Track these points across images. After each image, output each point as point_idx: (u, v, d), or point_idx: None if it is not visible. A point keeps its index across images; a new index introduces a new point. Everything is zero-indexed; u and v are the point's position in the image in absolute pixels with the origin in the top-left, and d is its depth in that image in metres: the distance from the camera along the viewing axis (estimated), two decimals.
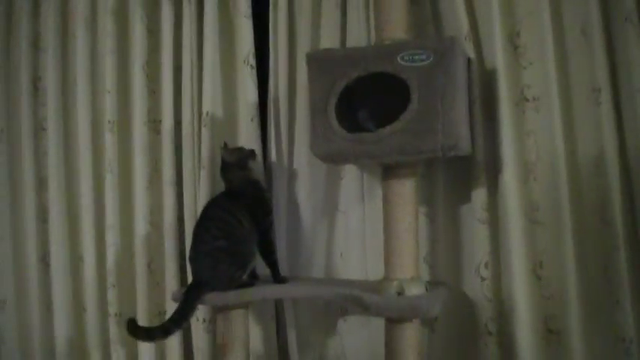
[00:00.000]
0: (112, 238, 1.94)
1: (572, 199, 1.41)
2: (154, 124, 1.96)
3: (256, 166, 1.65)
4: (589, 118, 1.41)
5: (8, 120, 2.14)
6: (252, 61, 1.79)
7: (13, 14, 2.13)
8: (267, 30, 1.81)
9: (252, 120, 1.78)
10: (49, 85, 2.04)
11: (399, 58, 1.33)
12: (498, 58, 1.48)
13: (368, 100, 1.47)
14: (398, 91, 1.33)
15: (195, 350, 1.82)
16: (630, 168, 1.37)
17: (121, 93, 1.98)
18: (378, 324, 1.48)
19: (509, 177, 1.46)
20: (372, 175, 1.67)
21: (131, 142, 1.93)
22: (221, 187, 1.62)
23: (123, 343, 1.93)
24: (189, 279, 1.59)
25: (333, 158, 1.46)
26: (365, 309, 1.36)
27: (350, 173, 1.70)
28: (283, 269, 1.65)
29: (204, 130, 1.81)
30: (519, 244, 1.46)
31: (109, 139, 1.95)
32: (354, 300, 1.40)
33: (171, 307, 1.55)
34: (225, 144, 1.61)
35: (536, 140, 1.48)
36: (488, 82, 1.51)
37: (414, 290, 1.38)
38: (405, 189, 1.42)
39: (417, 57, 1.32)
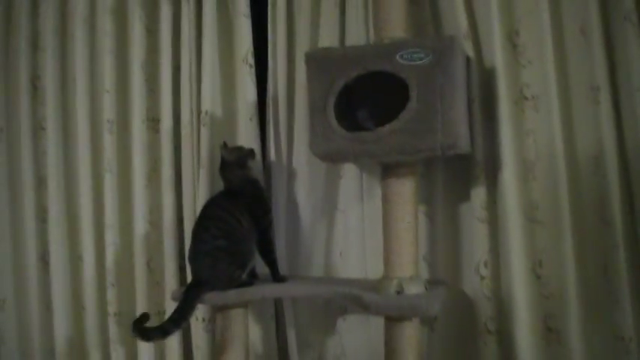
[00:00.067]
0: (111, 237, 1.94)
1: (572, 198, 1.41)
2: (152, 123, 1.96)
3: (255, 166, 1.65)
4: (588, 116, 1.41)
5: (7, 119, 2.14)
6: (251, 60, 1.79)
7: (13, 14, 2.13)
8: (266, 29, 1.81)
9: (251, 119, 1.78)
10: (48, 84, 2.04)
11: (398, 57, 1.33)
12: (497, 56, 1.48)
13: (367, 99, 1.47)
14: (397, 90, 1.33)
15: (194, 349, 1.82)
16: (629, 167, 1.37)
17: (120, 92, 1.98)
18: (378, 323, 1.49)
19: (509, 176, 1.46)
20: (371, 174, 1.67)
21: (130, 142, 1.93)
22: (220, 186, 1.62)
23: (122, 342, 1.93)
24: (189, 278, 1.59)
25: (332, 157, 1.46)
26: (364, 308, 1.36)
27: (349, 172, 1.70)
28: (282, 268, 1.65)
29: (203, 130, 1.81)
30: (519, 242, 1.46)
31: (108, 139, 1.95)
32: (353, 299, 1.40)
33: (170, 307, 1.54)
34: (225, 143, 1.61)
35: (536, 139, 1.48)
36: (487, 81, 1.51)
37: (414, 289, 1.38)
38: (405, 188, 1.43)
39: (416, 56, 1.32)
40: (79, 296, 2.02)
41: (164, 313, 1.87)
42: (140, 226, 1.91)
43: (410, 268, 1.41)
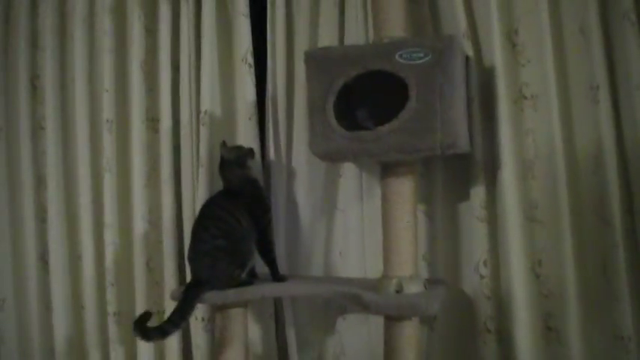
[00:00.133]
0: (110, 236, 1.94)
1: (571, 197, 1.41)
2: (152, 122, 1.96)
3: (254, 165, 1.65)
4: (587, 115, 1.41)
5: (7, 119, 2.13)
6: (251, 59, 1.79)
7: (12, 13, 2.13)
8: (265, 28, 1.80)
9: (250, 119, 1.78)
10: (48, 84, 2.04)
11: (397, 57, 1.33)
12: (497, 56, 1.48)
13: (366, 99, 1.47)
14: (396, 89, 1.33)
15: (194, 349, 1.82)
16: (628, 165, 1.37)
17: (119, 92, 1.98)
18: (377, 322, 1.49)
19: (508, 175, 1.46)
20: (370, 174, 1.67)
21: (129, 141, 1.93)
22: (220, 185, 1.62)
23: (122, 342, 1.93)
24: (188, 278, 1.59)
25: (331, 156, 1.46)
26: (364, 307, 1.36)
27: (349, 171, 1.70)
28: (282, 268, 1.65)
29: (202, 129, 1.81)
30: (518, 242, 1.46)
31: (108, 138, 1.94)
32: (353, 298, 1.40)
33: (170, 306, 1.54)
34: (224, 142, 1.61)
35: (535, 138, 1.48)
36: (486, 80, 1.51)
37: (413, 288, 1.38)
38: (404, 187, 1.43)
39: (415, 55, 1.32)
40: (79, 296, 2.02)
41: (163, 312, 1.87)
42: (139, 225, 1.90)
43: (409, 267, 1.41)
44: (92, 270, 1.97)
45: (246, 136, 1.77)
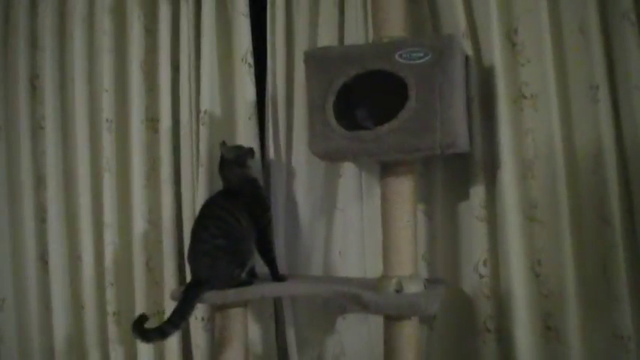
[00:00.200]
0: (110, 236, 1.94)
1: (571, 197, 1.41)
2: (151, 122, 1.96)
3: (254, 165, 1.65)
4: (587, 115, 1.41)
5: (6, 119, 2.13)
6: (250, 59, 1.79)
7: (11, 13, 2.12)
8: (264, 28, 1.80)
9: (250, 118, 1.78)
10: (47, 83, 2.04)
11: (397, 56, 1.33)
12: (496, 55, 1.48)
13: (366, 99, 1.47)
14: (396, 89, 1.33)
15: (194, 348, 1.82)
16: (628, 165, 1.37)
17: (118, 92, 1.97)
18: (377, 322, 1.49)
19: (508, 174, 1.46)
20: (370, 173, 1.67)
21: (129, 141, 1.93)
22: (219, 185, 1.62)
23: (121, 342, 1.93)
24: (188, 277, 1.59)
25: (331, 156, 1.46)
26: (364, 307, 1.36)
27: (348, 171, 1.70)
28: (282, 267, 1.66)
29: (202, 129, 1.80)
30: (518, 241, 1.46)
31: (107, 138, 1.94)
32: (352, 298, 1.40)
33: (169, 306, 1.54)
34: (224, 142, 1.61)
35: (534, 138, 1.48)
36: (486, 80, 1.51)
37: (413, 288, 1.38)
38: (404, 187, 1.43)
39: (415, 55, 1.32)
40: (79, 295, 2.02)
41: (163, 312, 1.87)
42: (139, 225, 1.90)
43: (409, 266, 1.42)
44: (92, 270, 1.97)
45: (245, 135, 1.77)
